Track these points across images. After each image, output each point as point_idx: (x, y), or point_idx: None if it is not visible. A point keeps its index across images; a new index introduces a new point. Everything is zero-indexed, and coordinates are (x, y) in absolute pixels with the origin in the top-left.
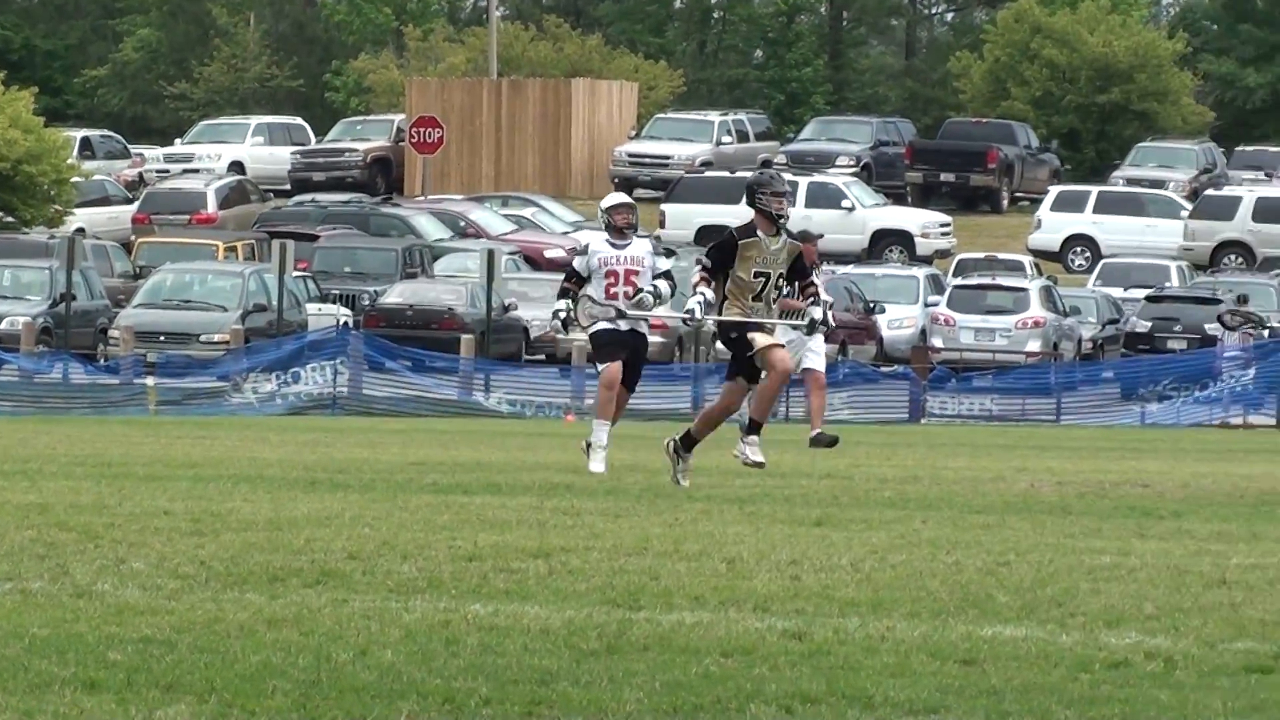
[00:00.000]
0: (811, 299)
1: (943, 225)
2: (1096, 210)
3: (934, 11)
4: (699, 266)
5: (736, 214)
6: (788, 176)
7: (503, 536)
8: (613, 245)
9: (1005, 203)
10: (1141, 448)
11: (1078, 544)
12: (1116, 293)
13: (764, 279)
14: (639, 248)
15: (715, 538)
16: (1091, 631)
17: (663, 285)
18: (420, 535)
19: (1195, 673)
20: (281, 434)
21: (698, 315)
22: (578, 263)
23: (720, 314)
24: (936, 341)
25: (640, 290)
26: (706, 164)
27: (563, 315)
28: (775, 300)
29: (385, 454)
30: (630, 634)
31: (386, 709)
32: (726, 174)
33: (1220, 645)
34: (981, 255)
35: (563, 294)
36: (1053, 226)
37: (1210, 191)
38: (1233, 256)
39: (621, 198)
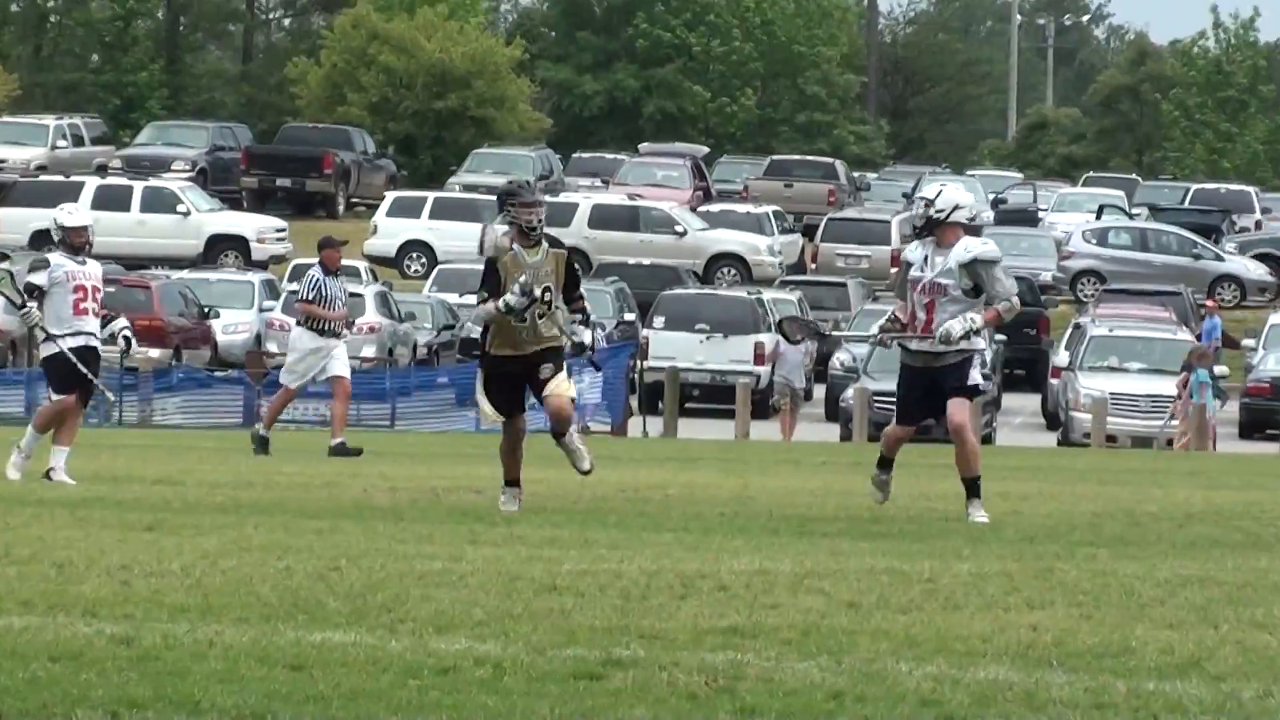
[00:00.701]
0: (580, 316)
1: (278, 230)
2: (433, 216)
3: (272, 16)
4: (479, 301)
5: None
6: (121, 181)
7: None
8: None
9: (342, 208)
10: (476, 454)
11: (409, 550)
12: (452, 299)
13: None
14: (95, 267)
15: (46, 542)
16: (421, 637)
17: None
18: None
19: (524, 678)
20: None
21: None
22: (37, 277)
23: (485, 345)
24: (271, 346)
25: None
26: (41, 168)
27: (35, 320)
28: (543, 316)
29: None
30: None
31: None
32: (61, 178)
33: (550, 651)
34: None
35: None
36: (389, 232)
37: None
38: None
39: (81, 219)
